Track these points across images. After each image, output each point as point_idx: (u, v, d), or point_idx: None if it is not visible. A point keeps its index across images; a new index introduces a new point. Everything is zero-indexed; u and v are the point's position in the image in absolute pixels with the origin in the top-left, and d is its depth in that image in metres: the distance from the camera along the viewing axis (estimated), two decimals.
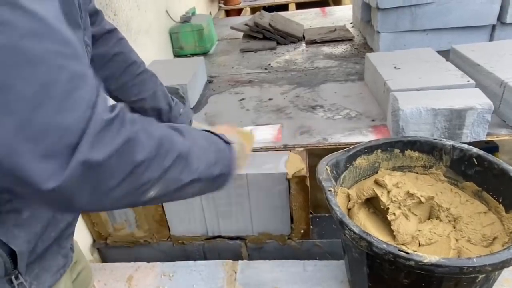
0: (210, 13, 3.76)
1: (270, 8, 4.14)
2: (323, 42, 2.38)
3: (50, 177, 0.38)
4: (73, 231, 0.65)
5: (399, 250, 0.67)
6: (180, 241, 1.33)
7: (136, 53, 0.91)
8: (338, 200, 0.91)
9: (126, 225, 1.31)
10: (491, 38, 1.89)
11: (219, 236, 1.30)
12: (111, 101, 0.47)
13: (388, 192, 0.92)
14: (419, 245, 0.87)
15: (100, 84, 0.44)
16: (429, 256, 0.65)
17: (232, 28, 2.61)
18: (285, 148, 1.28)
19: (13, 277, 0.52)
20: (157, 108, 0.94)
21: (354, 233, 0.73)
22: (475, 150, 0.92)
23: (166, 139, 0.50)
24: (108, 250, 1.39)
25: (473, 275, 0.67)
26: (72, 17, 0.53)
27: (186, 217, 1.26)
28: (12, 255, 0.51)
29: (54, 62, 0.38)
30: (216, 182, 0.60)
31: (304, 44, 2.41)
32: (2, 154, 0.37)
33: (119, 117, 0.44)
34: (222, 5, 4.24)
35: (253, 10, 4.10)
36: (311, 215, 1.29)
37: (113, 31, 0.85)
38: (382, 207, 0.92)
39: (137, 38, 1.87)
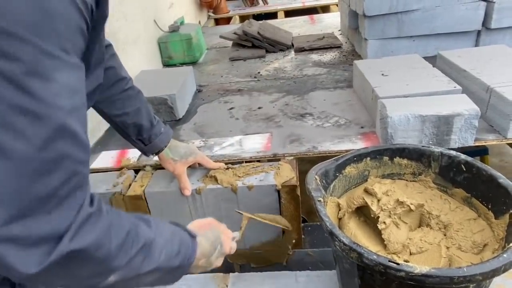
0: (200, 22, 3.76)
1: (259, 16, 4.17)
2: (312, 49, 2.39)
3: (34, 265, 0.41)
4: None
5: (389, 261, 0.66)
6: None
7: (126, 70, 0.94)
8: (328, 209, 0.91)
9: None
10: (476, 44, 1.92)
11: None
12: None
13: (378, 200, 0.92)
14: (410, 254, 0.86)
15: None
16: (419, 267, 0.65)
17: (221, 37, 2.61)
18: (274, 157, 1.28)
19: None
20: (138, 124, 0.96)
21: (344, 244, 0.72)
22: (463, 156, 0.92)
23: (133, 229, 0.54)
24: None
25: (463, 285, 0.66)
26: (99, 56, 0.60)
27: None
28: None
29: (70, 169, 0.43)
30: (174, 273, 0.64)
31: (293, 52, 2.42)
32: None
33: (99, 209, 0.49)
34: (211, 14, 4.26)
35: (242, 18, 4.11)
36: (302, 224, 1.28)
37: (108, 46, 0.88)
38: (372, 216, 0.91)
39: (125, 48, 1.86)
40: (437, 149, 0.96)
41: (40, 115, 0.39)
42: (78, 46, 0.44)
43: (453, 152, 0.95)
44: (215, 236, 0.77)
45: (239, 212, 1.06)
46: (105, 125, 1.59)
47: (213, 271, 1.29)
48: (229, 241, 0.82)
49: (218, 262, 0.78)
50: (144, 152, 1.05)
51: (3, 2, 0.35)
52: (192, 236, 0.69)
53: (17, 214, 0.39)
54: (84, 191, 0.46)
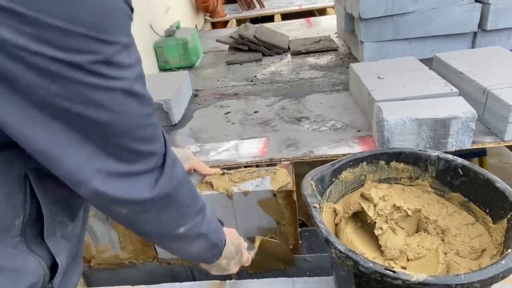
0: (196, 26, 3.76)
1: (256, 20, 4.17)
2: (308, 52, 2.39)
3: (140, 194, 0.51)
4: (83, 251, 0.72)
5: (385, 269, 0.65)
6: (166, 262, 1.29)
7: None
8: (324, 215, 0.89)
9: (110, 247, 1.27)
10: (473, 45, 1.91)
11: None
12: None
13: (375, 205, 0.91)
14: (408, 260, 0.85)
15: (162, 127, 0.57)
16: (416, 275, 0.63)
17: (217, 41, 2.61)
18: (271, 162, 1.26)
19: None
20: None
21: (340, 251, 0.71)
22: (460, 160, 0.91)
23: (195, 191, 0.63)
24: (92, 273, 1.35)
25: None
26: None
27: None
28: (50, 268, 0.54)
29: (147, 122, 0.50)
30: (213, 249, 0.72)
31: (289, 55, 2.42)
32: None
33: (177, 158, 0.57)
34: (208, 18, 4.26)
35: (239, 22, 4.11)
36: (300, 229, 1.26)
37: None
38: (369, 221, 0.90)
39: None
40: (433, 153, 0.95)
41: (112, 88, 0.45)
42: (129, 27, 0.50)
43: (450, 156, 0.94)
44: (238, 244, 0.84)
45: (251, 237, 1.14)
46: None
47: (210, 278, 1.28)
48: (246, 252, 0.88)
49: (235, 269, 0.85)
50: None
51: (73, 8, 0.39)
52: (222, 224, 0.77)
53: (119, 159, 0.48)
54: (161, 136, 0.54)
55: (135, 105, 0.48)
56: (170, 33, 2.36)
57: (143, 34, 2.21)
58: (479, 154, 1.97)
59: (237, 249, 0.83)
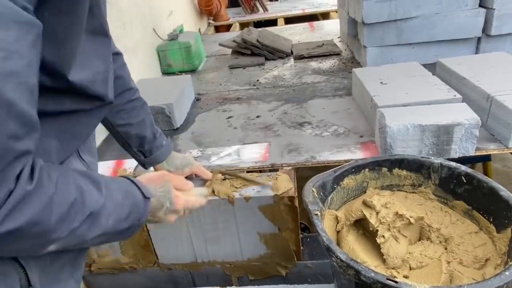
0: (199, 30, 3.77)
1: (259, 24, 4.18)
2: (311, 57, 2.38)
3: None
4: (85, 256, 0.66)
5: (387, 279, 0.64)
6: (167, 267, 1.28)
7: (133, 80, 0.94)
8: (326, 223, 0.89)
9: (111, 251, 1.27)
10: (476, 51, 1.90)
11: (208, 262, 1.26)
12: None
13: (377, 213, 0.90)
14: (410, 269, 0.84)
15: (35, 155, 0.45)
16: (418, 285, 0.62)
17: (220, 44, 2.61)
18: (272, 167, 1.26)
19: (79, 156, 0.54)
20: (141, 135, 0.96)
21: (341, 260, 0.70)
22: (463, 168, 0.90)
23: (79, 198, 0.51)
24: (93, 277, 1.34)
25: None
26: (100, 28, 0.57)
27: (173, 244, 1.22)
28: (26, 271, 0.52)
29: (3, 143, 0.40)
30: (123, 234, 0.62)
31: (292, 59, 2.42)
32: None
33: (38, 185, 0.45)
34: (211, 21, 4.27)
35: (242, 25, 4.12)
36: (301, 235, 1.25)
37: (119, 54, 0.89)
38: (371, 229, 0.89)
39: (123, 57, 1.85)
40: (436, 160, 0.94)
41: None
42: None
43: (453, 164, 0.93)
44: (164, 192, 0.70)
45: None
46: (102, 135, 1.58)
47: (210, 283, 1.28)
48: (183, 197, 0.74)
49: (170, 218, 0.72)
50: (143, 164, 1.03)
51: None
52: (146, 197, 0.65)
53: None
54: (17, 169, 0.42)
55: None
56: (173, 37, 2.37)
57: (147, 37, 2.22)
58: (483, 159, 1.95)
59: (162, 199, 0.69)
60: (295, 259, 1.22)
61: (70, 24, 0.48)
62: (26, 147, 0.43)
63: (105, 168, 1.37)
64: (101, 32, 0.58)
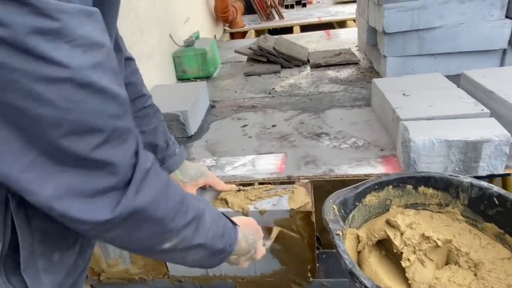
0: (215, 36, 3.77)
1: (274, 31, 4.16)
2: (328, 65, 2.34)
3: (100, 214, 0.43)
4: (84, 278, 0.64)
5: None
6: (177, 279, 1.24)
7: (146, 86, 0.91)
8: (347, 243, 0.84)
9: (120, 261, 1.24)
10: (502, 63, 1.83)
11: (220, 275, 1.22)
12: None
13: (402, 234, 0.84)
14: None
15: (139, 134, 0.48)
16: None
17: (236, 51, 2.59)
18: (289, 180, 1.21)
19: None
20: (154, 144, 0.93)
21: (366, 287, 0.65)
22: (495, 189, 0.85)
23: (186, 197, 0.54)
24: (101, 287, 1.31)
25: None
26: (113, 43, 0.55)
27: None
28: None
29: (108, 125, 0.42)
30: (216, 256, 0.64)
31: (308, 68, 2.38)
32: (62, 198, 0.41)
33: (154, 167, 0.49)
34: (227, 28, 4.27)
35: (258, 32, 4.11)
36: (317, 251, 1.20)
37: (131, 60, 0.86)
38: (395, 250, 0.84)
39: (139, 62, 1.83)
40: (466, 179, 0.89)
41: (57, 78, 0.37)
42: None
43: (485, 184, 0.87)
44: (254, 240, 0.76)
45: (268, 227, 1.06)
46: None
47: None
48: (262, 249, 0.81)
49: (245, 264, 0.77)
50: None
51: None
52: (234, 224, 0.69)
53: (72, 176, 0.40)
54: (131, 145, 0.45)
55: (93, 100, 0.40)
56: (189, 43, 2.35)
57: (163, 43, 2.21)
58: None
59: (251, 246, 0.74)
60: (310, 277, 1.16)
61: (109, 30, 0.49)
62: (129, 124, 0.45)
63: None
64: (114, 47, 0.57)
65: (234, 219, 0.73)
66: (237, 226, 0.70)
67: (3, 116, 0.36)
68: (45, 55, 0.35)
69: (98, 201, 0.42)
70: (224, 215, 0.68)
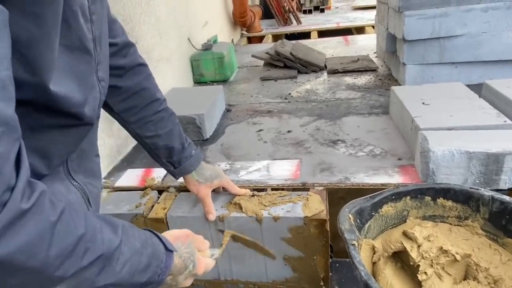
0: (232, 40, 3.79)
1: (292, 36, 4.16)
2: (346, 72, 2.32)
3: None
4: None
5: None
6: None
7: (160, 91, 0.92)
8: (362, 253, 0.82)
9: None
10: None
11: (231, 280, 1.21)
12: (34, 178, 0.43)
13: (419, 246, 0.83)
14: None
15: (25, 159, 0.39)
16: None
17: (253, 56, 2.60)
18: (303, 186, 1.20)
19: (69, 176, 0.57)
20: (170, 146, 0.93)
21: None
22: None
23: (91, 234, 0.46)
24: None
25: None
26: (78, 43, 0.51)
27: None
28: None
29: None
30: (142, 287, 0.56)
31: (325, 74, 2.37)
32: None
33: (38, 204, 0.39)
34: (244, 32, 4.29)
35: (275, 37, 4.12)
36: (330, 260, 1.19)
37: (144, 66, 0.87)
38: (411, 263, 0.82)
39: (157, 65, 1.87)
40: (487, 193, 0.86)
41: None
42: None
43: (507, 198, 0.84)
44: (190, 253, 0.67)
45: (220, 230, 1.01)
46: (132, 142, 1.59)
47: None
48: (204, 261, 0.71)
49: (187, 283, 0.68)
50: (173, 175, 1.01)
51: None
52: (168, 250, 0.60)
53: None
54: (7, 178, 0.36)
55: None
56: (207, 47, 2.38)
57: (182, 47, 2.23)
58: None
59: (187, 260, 0.65)
60: (323, 286, 1.15)
61: (36, 27, 0.43)
62: (6, 149, 0.36)
63: (133, 176, 1.36)
64: (79, 47, 0.52)
65: (165, 233, 0.67)
66: (172, 251, 0.62)
67: None
68: None
69: None
70: (158, 236, 0.61)
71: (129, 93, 0.83)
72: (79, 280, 0.46)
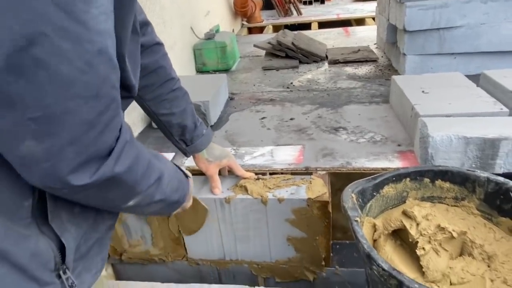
0: (233, 30, 3.80)
1: (292, 27, 4.17)
2: (346, 62, 2.36)
3: (82, 179, 0.46)
4: (110, 237, 0.68)
5: None
6: (195, 262, 1.29)
7: (175, 70, 0.95)
8: (364, 230, 0.87)
9: (142, 242, 1.29)
10: None
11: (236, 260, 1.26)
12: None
13: (417, 224, 0.87)
14: (451, 284, 0.81)
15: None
16: None
17: (255, 46, 2.62)
18: (306, 170, 1.25)
19: (61, 272, 0.55)
20: (183, 124, 0.97)
21: (383, 269, 0.68)
22: None
23: (151, 161, 0.60)
24: (122, 266, 1.37)
25: None
26: (134, 26, 0.59)
27: (203, 239, 1.23)
28: (61, 250, 0.54)
29: (111, 94, 0.45)
30: (172, 207, 0.73)
31: (326, 64, 2.40)
32: (50, 161, 0.43)
33: (131, 138, 0.53)
34: (245, 23, 4.30)
35: (276, 28, 4.13)
36: (331, 242, 1.24)
37: (161, 45, 0.90)
38: (410, 240, 0.87)
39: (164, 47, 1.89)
40: (483, 174, 0.91)
41: (82, 39, 0.40)
42: None
43: (501, 179, 0.89)
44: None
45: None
46: (138, 128, 1.62)
47: (236, 282, 1.28)
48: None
49: (190, 202, 0.87)
50: (185, 153, 1.05)
51: None
52: (186, 176, 0.79)
53: (69, 138, 0.43)
54: (120, 118, 0.49)
55: (104, 67, 0.43)
56: (209, 36, 2.40)
57: (184, 36, 2.25)
58: None
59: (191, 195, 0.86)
60: (324, 265, 1.20)
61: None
62: (119, 98, 0.48)
63: None
64: (134, 31, 0.59)
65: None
66: (188, 178, 0.81)
67: (21, 67, 0.37)
68: (77, 15, 0.38)
69: (80, 169, 0.45)
70: (180, 169, 0.77)
71: (147, 71, 0.85)
72: (145, 195, 0.59)
